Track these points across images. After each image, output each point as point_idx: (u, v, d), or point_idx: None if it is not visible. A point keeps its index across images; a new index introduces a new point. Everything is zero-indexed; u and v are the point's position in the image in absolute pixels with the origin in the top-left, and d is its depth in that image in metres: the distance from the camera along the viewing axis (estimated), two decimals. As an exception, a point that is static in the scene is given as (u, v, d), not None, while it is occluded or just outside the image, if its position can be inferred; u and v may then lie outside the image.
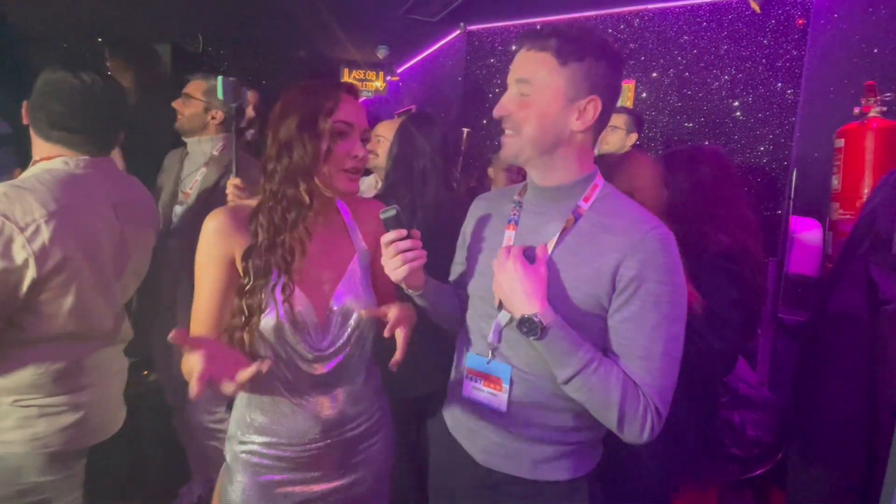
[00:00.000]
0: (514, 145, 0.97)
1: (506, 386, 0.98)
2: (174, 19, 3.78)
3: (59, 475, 1.30)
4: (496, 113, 0.97)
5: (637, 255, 0.88)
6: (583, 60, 0.91)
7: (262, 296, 0.99)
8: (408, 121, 1.76)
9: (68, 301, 1.22)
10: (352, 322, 1.09)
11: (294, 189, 1.00)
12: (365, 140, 1.07)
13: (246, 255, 1.00)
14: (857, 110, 2.01)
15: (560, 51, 0.91)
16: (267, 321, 1.00)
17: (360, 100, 1.09)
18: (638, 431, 0.87)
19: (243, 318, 0.99)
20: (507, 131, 0.97)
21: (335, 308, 1.07)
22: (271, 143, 1.03)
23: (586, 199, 0.97)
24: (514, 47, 0.99)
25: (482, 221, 1.11)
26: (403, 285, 1.05)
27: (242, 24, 4.04)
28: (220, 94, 1.72)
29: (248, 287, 0.99)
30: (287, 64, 4.84)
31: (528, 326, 0.87)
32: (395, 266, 0.98)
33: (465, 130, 2.88)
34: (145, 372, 2.16)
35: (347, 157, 1.03)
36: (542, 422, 0.97)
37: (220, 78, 1.72)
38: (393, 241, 0.97)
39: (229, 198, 1.64)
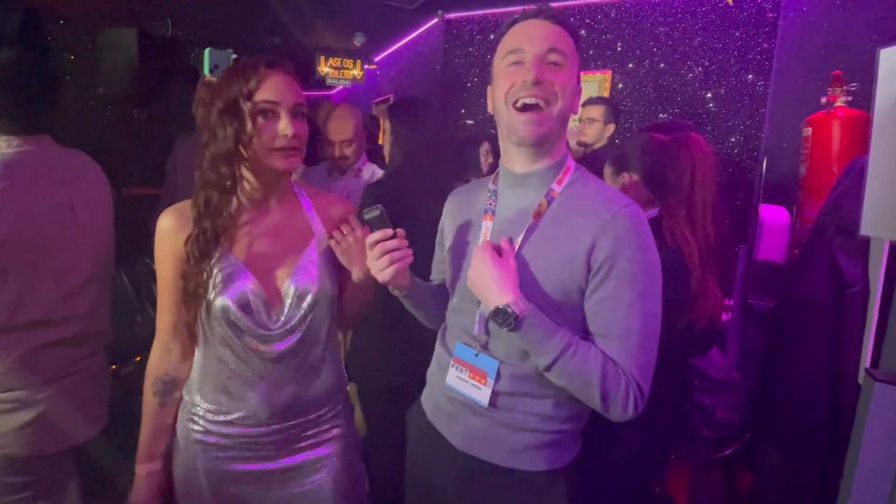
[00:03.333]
0: (545, 122, 0.91)
1: (490, 381, 0.97)
2: (140, 1, 3.64)
3: (15, 479, 1.23)
4: (536, 75, 0.88)
5: (609, 235, 0.88)
6: (578, 44, 0.96)
7: (202, 279, 1.02)
8: (419, 101, 1.73)
9: (10, 286, 1.19)
10: (305, 304, 1.08)
11: (216, 174, 1.01)
12: (298, 115, 1.05)
13: (186, 242, 1.03)
14: (823, 100, 2.06)
15: (577, 36, 0.96)
16: (216, 302, 1.02)
17: (287, 74, 1.05)
18: (622, 409, 0.87)
19: (186, 304, 1.05)
20: (531, 101, 0.90)
21: (291, 289, 1.07)
22: (202, 130, 1.04)
23: (559, 183, 0.97)
24: (514, 19, 0.95)
25: (458, 215, 1.09)
26: (390, 286, 1.04)
27: (213, 8, 3.92)
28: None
29: (189, 272, 1.03)
30: (261, 51, 4.73)
31: (501, 318, 0.86)
32: (381, 267, 0.96)
33: (485, 144, 2.74)
34: (113, 366, 2.08)
35: (276, 137, 1.01)
36: (522, 409, 0.97)
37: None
38: (379, 241, 0.96)
39: None
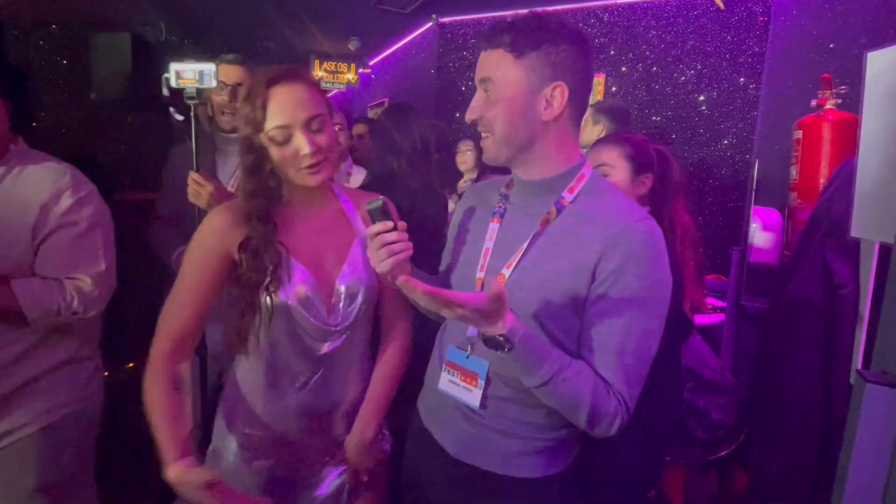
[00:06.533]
0: (491, 147, 0.96)
1: (481, 382, 0.96)
2: (133, 6, 3.63)
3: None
4: (467, 117, 0.97)
5: (619, 248, 0.86)
6: (539, 48, 0.89)
7: (260, 282, 1.02)
8: (387, 112, 1.80)
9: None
10: (357, 302, 1.11)
11: (254, 201, 1.04)
12: (316, 128, 1.03)
13: (241, 248, 1.02)
14: (814, 102, 2.08)
15: (514, 44, 0.90)
16: (278, 301, 1.02)
17: (293, 84, 1.02)
18: (606, 429, 0.87)
19: (246, 309, 1.03)
20: (482, 134, 0.97)
21: (342, 288, 1.10)
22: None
23: (571, 191, 0.95)
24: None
25: (469, 212, 1.10)
26: (389, 277, 1.03)
27: (207, 13, 3.92)
28: (214, 83, 1.63)
29: (246, 277, 1.02)
30: (255, 56, 4.73)
31: (494, 344, 0.83)
32: (380, 258, 0.95)
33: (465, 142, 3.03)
34: (106, 373, 2.06)
35: (296, 158, 1.01)
36: (515, 417, 0.96)
37: (216, 64, 1.64)
38: (378, 233, 0.95)
39: (189, 193, 1.57)
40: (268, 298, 1.02)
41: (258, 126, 0.99)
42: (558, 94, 0.91)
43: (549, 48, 0.90)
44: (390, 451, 1.23)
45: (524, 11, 0.95)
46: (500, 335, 0.81)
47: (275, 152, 1.01)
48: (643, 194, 1.43)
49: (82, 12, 3.61)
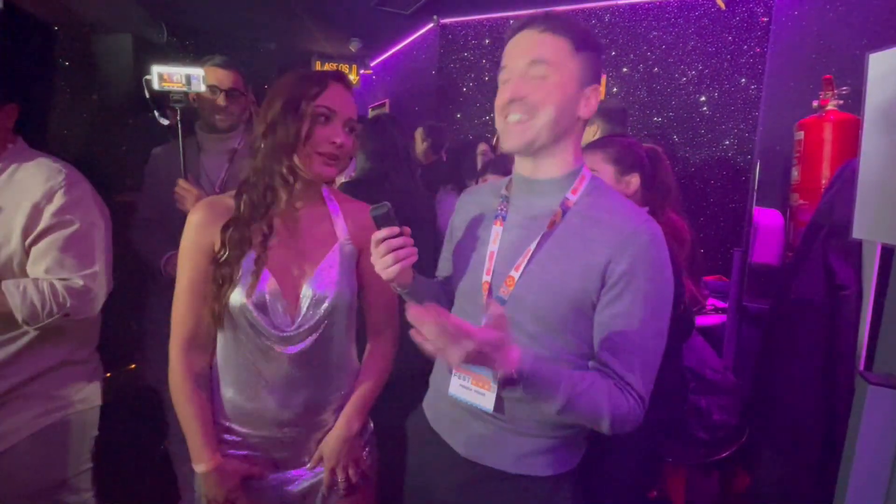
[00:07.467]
0: (528, 131, 0.93)
1: (494, 385, 0.95)
2: (136, 7, 3.64)
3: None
4: (511, 95, 0.93)
5: (628, 250, 0.87)
6: (588, 50, 0.93)
7: (236, 267, 1.04)
8: (381, 118, 1.98)
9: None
10: (322, 309, 1.10)
11: (277, 165, 1.05)
12: (351, 129, 1.10)
13: (225, 227, 1.04)
14: (815, 103, 2.08)
15: (575, 37, 0.92)
16: (234, 297, 1.04)
17: (348, 89, 1.12)
18: (628, 427, 0.88)
19: (215, 288, 1.05)
20: (515, 117, 0.93)
21: (309, 293, 1.09)
22: (259, 123, 1.08)
23: (574, 192, 0.96)
24: (509, 33, 0.98)
25: (469, 217, 1.09)
26: (393, 283, 1.03)
27: (209, 14, 3.92)
28: (203, 87, 1.64)
29: (223, 258, 1.04)
30: (257, 56, 4.73)
31: (510, 382, 0.83)
32: (386, 264, 0.94)
33: (482, 145, 2.89)
34: (132, 365, 2.05)
35: (325, 142, 1.05)
36: (528, 414, 0.96)
37: (203, 68, 1.67)
38: (384, 239, 0.94)
39: (177, 199, 1.60)
40: (232, 288, 1.04)
41: (313, 96, 1.04)
42: (594, 96, 0.95)
43: (593, 52, 0.95)
44: (368, 463, 1.22)
45: (525, 13, 0.96)
46: (515, 372, 0.80)
47: (307, 127, 1.04)
48: (631, 194, 1.43)
49: (84, 14, 3.62)
